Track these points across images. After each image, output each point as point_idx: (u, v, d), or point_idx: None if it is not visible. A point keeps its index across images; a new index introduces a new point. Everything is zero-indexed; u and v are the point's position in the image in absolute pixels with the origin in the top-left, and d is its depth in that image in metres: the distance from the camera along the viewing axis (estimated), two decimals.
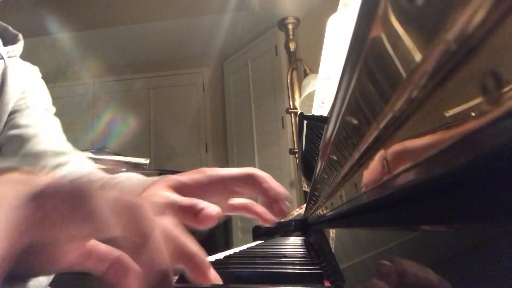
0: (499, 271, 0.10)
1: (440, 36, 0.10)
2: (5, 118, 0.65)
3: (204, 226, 0.35)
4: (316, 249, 0.65)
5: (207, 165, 3.13)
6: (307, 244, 0.81)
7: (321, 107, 0.53)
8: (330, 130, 0.29)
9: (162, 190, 0.36)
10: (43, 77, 0.76)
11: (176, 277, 0.34)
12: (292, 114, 2.36)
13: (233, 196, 0.41)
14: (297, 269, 0.38)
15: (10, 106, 0.66)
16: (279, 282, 0.32)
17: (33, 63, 0.75)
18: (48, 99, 0.73)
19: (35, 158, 0.63)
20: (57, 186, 0.22)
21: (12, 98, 0.66)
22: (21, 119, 0.66)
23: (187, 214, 0.32)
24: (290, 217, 1.35)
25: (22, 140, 0.64)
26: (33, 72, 0.73)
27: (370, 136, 0.19)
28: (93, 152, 1.80)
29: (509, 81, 0.07)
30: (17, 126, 0.65)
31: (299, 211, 1.39)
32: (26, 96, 0.69)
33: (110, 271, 0.25)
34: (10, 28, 0.70)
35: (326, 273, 0.34)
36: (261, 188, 0.38)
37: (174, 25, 2.87)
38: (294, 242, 0.92)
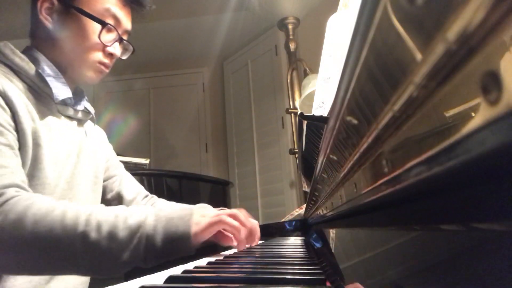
0: (499, 271, 0.10)
1: (439, 36, 0.10)
2: (102, 176, 0.88)
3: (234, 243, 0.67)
4: (316, 249, 0.65)
5: (207, 165, 3.13)
6: (307, 244, 0.81)
7: (321, 107, 0.53)
8: (329, 130, 0.29)
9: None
10: None
11: (165, 278, 0.34)
12: (292, 114, 2.36)
13: None
14: (297, 270, 0.38)
15: (103, 165, 0.89)
16: (280, 283, 0.32)
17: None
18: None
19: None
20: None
21: (103, 159, 0.89)
22: (115, 185, 0.93)
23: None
24: (290, 217, 1.35)
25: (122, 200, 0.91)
26: (105, 135, 0.99)
27: (370, 136, 0.19)
28: None
29: (508, 81, 0.07)
30: (112, 190, 0.92)
31: (299, 211, 1.39)
32: (111, 163, 0.94)
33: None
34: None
35: (326, 273, 0.34)
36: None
37: (174, 25, 2.87)
38: (294, 242, 0.92)
